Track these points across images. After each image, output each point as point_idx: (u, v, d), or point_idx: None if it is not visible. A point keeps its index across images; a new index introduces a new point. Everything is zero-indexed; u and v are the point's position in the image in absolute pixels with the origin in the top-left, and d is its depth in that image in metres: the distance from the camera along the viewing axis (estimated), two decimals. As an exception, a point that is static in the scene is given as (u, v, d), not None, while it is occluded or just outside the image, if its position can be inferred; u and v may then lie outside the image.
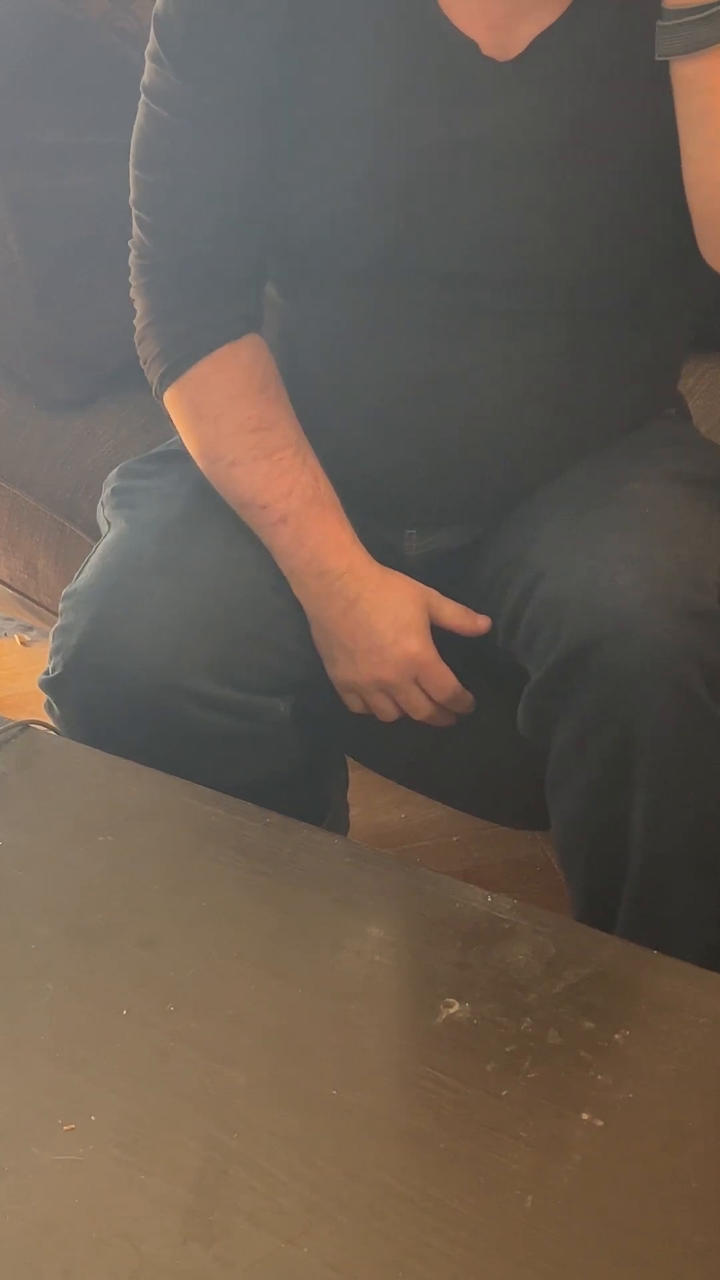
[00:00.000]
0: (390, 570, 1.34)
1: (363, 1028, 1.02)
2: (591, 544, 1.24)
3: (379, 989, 1.05)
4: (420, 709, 1.35)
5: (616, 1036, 0.99)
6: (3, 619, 2.13)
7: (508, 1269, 0.87)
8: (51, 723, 1.31)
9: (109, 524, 1.37)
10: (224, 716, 1.28)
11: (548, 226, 1.26)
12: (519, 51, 1.23)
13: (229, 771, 1.28)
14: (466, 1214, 0.89)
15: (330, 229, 1.28)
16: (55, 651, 1.29)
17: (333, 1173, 0.92)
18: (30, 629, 2.12)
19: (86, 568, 1.32)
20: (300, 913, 1.11)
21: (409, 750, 1.45)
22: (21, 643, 2.22)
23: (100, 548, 1.33)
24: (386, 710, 1.36)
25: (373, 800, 1.87)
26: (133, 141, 1.31)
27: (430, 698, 1.35)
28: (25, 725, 1.27)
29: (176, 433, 1.38)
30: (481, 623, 1.35)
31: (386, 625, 1.32)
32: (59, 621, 1.30)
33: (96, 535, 1.39)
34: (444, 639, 1.35)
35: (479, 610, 1.35)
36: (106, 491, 1.42)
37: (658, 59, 1.17)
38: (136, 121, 1.30)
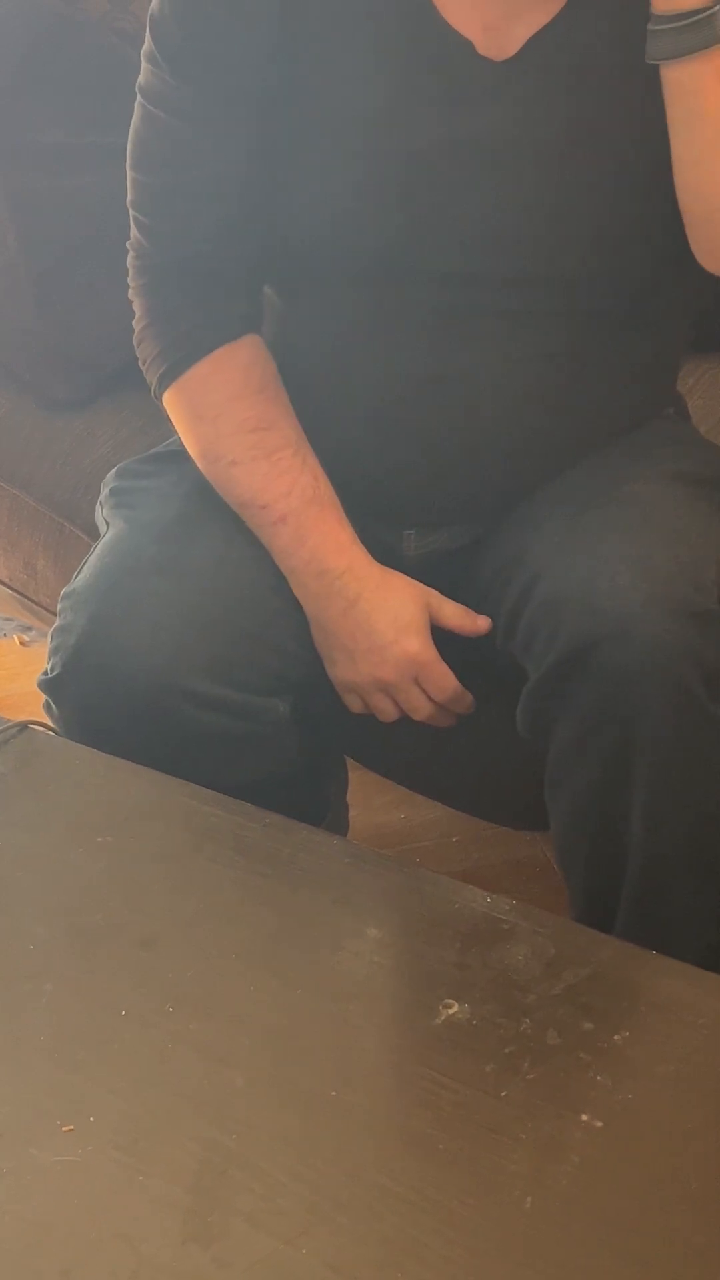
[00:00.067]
0: (390, 570, 1.34)
1: (362, 1028, 1.02)
2: (591, 544, 1.24)
3: (378, 990, 1.05)
4: (420, 709, 1.35)
5: (616, 1037, 0.99)
6: (2, 619, 2.13)
7: (507, 1270, 0.86)
8: (50, 723, 1.31)
9: (107, 524, 1.37)
10: (223, 717, 1.28)
11: (546, 226, 1.26)
12: (514, 51, 1.23)
13: (228, 772, 1.28)
14: (465, 1215, 0.89)
15: (329, 229, 1.28)
16: (54, 652, 1.29)
17: (331, 1174, 0.92)
18: (29, 629, 2.12)
19: (85, 568, 1.32)
20: (299, 913, 1.11)
21: (409, 750, 1.45)
22: (20, 643, 2.21)
23: (99, 548, 1.33)
24: (387, 710, 1.36)
25: (372, 801, 1.87)
26: (129, 143, 1.31)
27: (430, 698, 1.35)
28: (24, 725, 1.27)
29: (175, 433, 1.38)
30: (482, 623, 1.35)
31: (386, 625, 1.32)
32: (58, 622, 1.30)
33: (95, 535, 1.39)
34: (443, 640, 1.35)
35: (478, 610, 1.35)
36: (105, 492, 1.42)
37: (648, 62, 1.18)
38: (133, 123, 1.30)
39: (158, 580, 1.28)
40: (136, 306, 1.36)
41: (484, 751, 1.42)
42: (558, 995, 1.02)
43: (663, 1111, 0.95)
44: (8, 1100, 0.97)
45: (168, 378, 1.34)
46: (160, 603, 1.27)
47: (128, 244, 1.35)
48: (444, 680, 1.34)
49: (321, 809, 1.55)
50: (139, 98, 1.29)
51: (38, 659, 1.33)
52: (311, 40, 1.23)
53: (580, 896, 1.33)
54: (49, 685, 1.30)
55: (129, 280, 1.36)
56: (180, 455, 1.37)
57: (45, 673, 1.30)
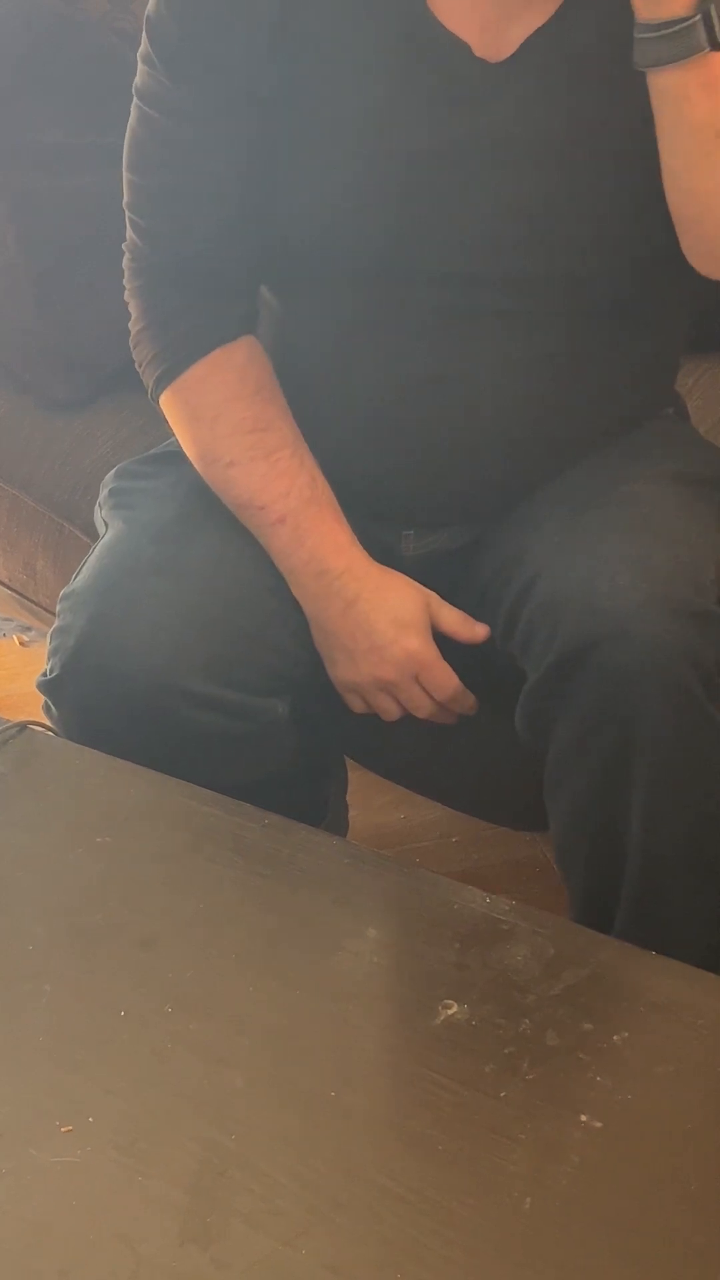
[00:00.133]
0: (389, 570, 1.34)
1: (361, 1029, 1.02)
2: (590, 544, 1.24)
3: (377, 990, 1.05)
4: (422, 707, 1.35)
5: (615, 1038, 0.99)
6: (1, 619, 2.13)
7: (507, 1270, 0.86)
8: (50, 723, 1.31)
9: (106, 525, 1.37)
10: (222, 717, 1.28)
11: (544, 226, 1.26)
12: (511, 52, 1.23)
13: (227, 772, 1.28)
14: (465, 1215, 0.89)
15: (326, 230, 1.28)
16: (53, 652, 1.29)
17: (331, 1174, 0.92)
18: (29, 629, 2.12)
19: (84, 569, 1.32)
20: (299, 914, 1.11)
21: (408, 750, 1.45)
22: (20, 643, 2.22)
23: (98, 549, 1.33)
24: (389, 709, 1.36)
25: (372, 801, 1.87)
26: (125, 144, 1.31)
27: (431, 696, 1.35)
28: (23, 726, 1.27)
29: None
30: (480, 631, 1.35)
31: (386, 624, 1.32)
32: (57, 622, 1.30)
33: (95, 536, 1.39)
34: (443, 640, 1.35)
35: (477, 611, 1.35)
36: (104, 493, 1.42)
37: (634, 69, 1.18)
38: (129, 124, 1.30)
39: (156, 581, 1.28)
40: (132, 308, 1.36)
41: (484, 751, 1.42)
42: (557, 996, 1.02)
43: (662, 1112, 0.95)
44: (8, 1100, 0.97)
45: (165, 379, 1.34)
46: (159, 603, 1.27)
47: (123, 245, 1.35)
48: (445, 679, 1.34)
49: (321, 809, 1.55)
50: (135, 100, 1.29)
51: (37, 659, 1.33)
52: (308, 42, 1.23)
53: (580, 897, 1.33)
54: (48, 686, 1.30)
55: (125, 282, 1.36)
56: (179, 456, 1.37)
57: (44, 674, 1.30)
